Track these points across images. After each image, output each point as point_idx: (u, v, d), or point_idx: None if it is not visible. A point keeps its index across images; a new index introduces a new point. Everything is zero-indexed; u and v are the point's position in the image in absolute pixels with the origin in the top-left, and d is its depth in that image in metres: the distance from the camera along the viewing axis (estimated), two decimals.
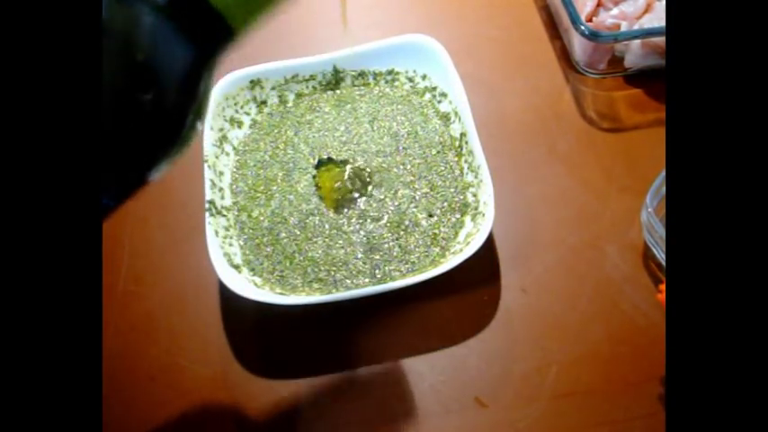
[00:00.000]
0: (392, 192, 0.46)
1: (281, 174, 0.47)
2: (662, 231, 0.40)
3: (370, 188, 0.46)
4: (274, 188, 0.47)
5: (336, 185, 0.47)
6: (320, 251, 0.44)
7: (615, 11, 0.52)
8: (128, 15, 0.24)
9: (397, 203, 0.45)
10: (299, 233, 0.44)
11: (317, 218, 0.45)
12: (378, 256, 0.43)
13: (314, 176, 0.47)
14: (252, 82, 0.50)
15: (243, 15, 0.25)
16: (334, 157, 0.48)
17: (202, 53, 0.26)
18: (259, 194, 0.46)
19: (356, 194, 0.46)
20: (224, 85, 0.48)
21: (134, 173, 0.26)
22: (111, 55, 0.23)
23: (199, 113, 0.26)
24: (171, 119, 0.25)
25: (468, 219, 0.44)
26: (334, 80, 0.51)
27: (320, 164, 0.48)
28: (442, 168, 0.47)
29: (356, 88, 0.51)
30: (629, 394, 0.39)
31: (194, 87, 0.26)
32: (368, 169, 0.47)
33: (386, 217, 0.45)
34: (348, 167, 0.47)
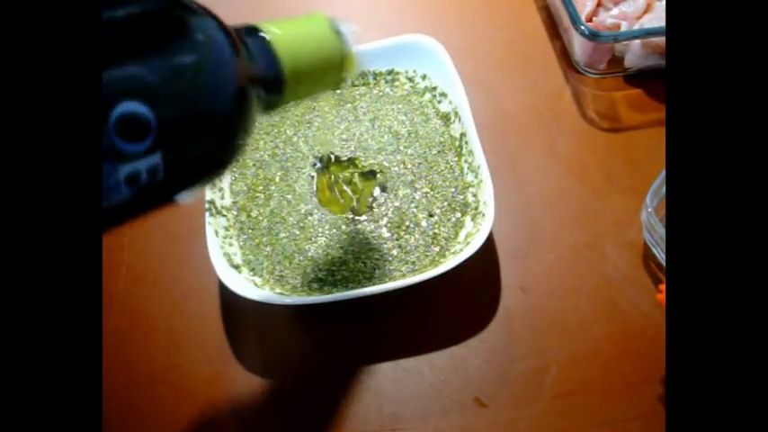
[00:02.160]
0: (394, 191, 0.46)
1: (279, 173, 0.47)
2: (662, 231, 0.40)
3: (375, 188, 0.46)
4: (273, 188, 0.47)
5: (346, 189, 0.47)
6: (320, 251, 0.44)
7: (615, 11, 0.52)
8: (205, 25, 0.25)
9: (398, 204, 0.45)
10: (298, 233, 0.45)
11: (316, 218, 0.45)
12: (378, 256, 0.43)
13: (312, 176, 0.47)
14: None
15: (293, 86, 0.28)
16: (338, 155, 0.48)
17: (257, 87, 0.27)
18: (258, 194, 0.47)
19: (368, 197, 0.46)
20: None
21: (174, 190, 0.26)
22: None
23: (240, 146, 0.27)
24: (221, 135, 0.26)
25: (468, 219, 0.44)
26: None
27: (323, 163, 0.48)
28: (443, 168, 0.47)
29: (356, 88, 0.51)
30: (629, 394, 0.39)
31: (244, 110, 0.27)
32: (375, 168, 0.47)
33: (386, 217, 0.45)
34: (357, 174, 0.48)
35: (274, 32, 0.28)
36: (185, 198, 0.26)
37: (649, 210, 0.41)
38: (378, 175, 0.47)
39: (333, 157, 0.48)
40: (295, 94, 0.29)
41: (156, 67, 0.22)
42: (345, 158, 0.48)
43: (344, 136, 0.49)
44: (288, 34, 0.28)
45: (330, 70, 0.30)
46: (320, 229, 0.45)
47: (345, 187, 0.47)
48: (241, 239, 0.44)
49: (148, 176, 0.23)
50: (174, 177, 0.24)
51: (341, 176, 0.47)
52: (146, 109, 0.22)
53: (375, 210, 0.45)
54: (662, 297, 0.38)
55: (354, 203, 0.46)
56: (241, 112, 0.26)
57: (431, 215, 0.45)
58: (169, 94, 0.23)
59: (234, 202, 0.46)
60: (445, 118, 0.49)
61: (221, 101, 0.25)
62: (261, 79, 0.27)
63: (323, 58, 0.29)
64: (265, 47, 0.28)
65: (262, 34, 0.28)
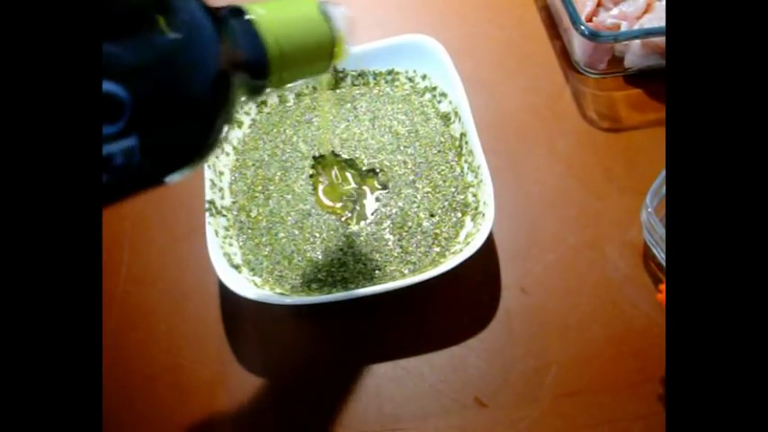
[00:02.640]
0: (396, 191, 0.46)
1: (278, 173, 0.47)
2: (662, 231, 0.40)
3: (375, 188, 0.46)
4: (272, 188, 0.47)
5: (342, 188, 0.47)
6: (319, 252, 0.44)
7: (615, 11, 0.52)
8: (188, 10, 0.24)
9: (401, 204, 0.45)
10: (297, 233, 0.44)
11: (314, 218, 0.45)
12: (378, 257, 0.43)
13: (311, 176, 0.47)
14: None
15: (278, 71, 0.28)
16: (336, 152, 0.48)
17: (240, 72, 0.27)
18: (257, 194, 0.46)
19: (361, 197, 0.46)
20: None
21: (156, 174, 0.26)
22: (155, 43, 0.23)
23: (221, 130, 0.27)
24: (200, 122, 0.25)
25: (468, 219, 0.44)
26: (334, 80, 0.51)
27: (322, 157, 0.48)
28: (443, 168, 0.47)
29: (356, 88, 0.51)
30: (629, 394, 0.39)
31: (225, 96, 0.26)
32: (376, 167, 0.47)
33: (389, 219, 0.45)
34: (350, 172, 0.48)
35: (260, 14, 0.27)
36: (173, 178, 0.26)
37: (649, 210, 0.41)
38: (379, 174, 0.47)
39: (332, 153, 0.48)
40: (281, 79, 0.28)
41: (133, 46, 0.22)
42: (346, 157, 0.48)
43: (344, 135, 0.49)
44: (274, 16, 0.27)
45: (318, 55, 0.29)
46: (319, 230, 0.44)
47: (347, 185, 0.47)
48: (241, 239, 0.44)
49: (124, 159, 0.22)
50: (153, 161, 0.24)
51: (334, 174, 0.47)
52: (120, 89, 0.21)
53: (379, 210, 0.45)
54: (662, 297, 0.38)
55: (348, 213, 0.46)
56: (221, 96, 0.26)
57: (432, 215, 0.45)
58: (146, 75, 0.22)
59: (234, 202, 0.46)
60: (445, 118, 0.49)
61: (200, 84, 0.24)
62: (245, 64, 0.27)
63: (311, 41, 0.28)
64: (250, 29, 0.27)
65: (247, 16, 0.27)
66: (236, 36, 0.26)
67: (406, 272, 0.42)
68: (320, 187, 0.47)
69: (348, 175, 0.47)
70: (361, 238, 0.44)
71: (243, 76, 0.27)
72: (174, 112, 0.24)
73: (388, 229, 0.44)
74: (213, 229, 0.42)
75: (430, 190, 0.46)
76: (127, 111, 0.21)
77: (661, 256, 0.42)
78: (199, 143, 0.26)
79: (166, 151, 0.25)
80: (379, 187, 0.46)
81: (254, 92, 0.29)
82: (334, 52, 0.29)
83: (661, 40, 0.48)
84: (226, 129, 0.27)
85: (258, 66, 0.27)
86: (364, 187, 0.47)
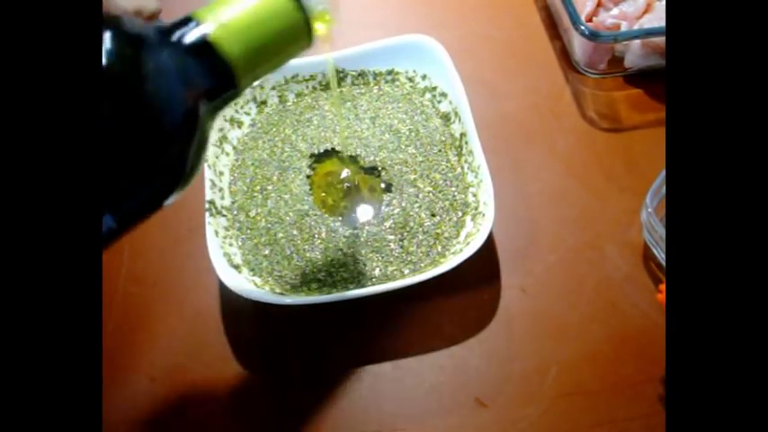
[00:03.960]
0: (398, 190, 0.46)
1: (277, 173, 0.47)
2: (662, 231, 0.40)
3: (379, 188, 0.46)
4: (270, 188, 0.47)
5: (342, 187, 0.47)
6: (318, 252, 0.44)
7: (615, 11, 0.52)
8: (135, 53, 0.24)
9: (404, 204, 0.45)
10: (296, 233, 0.44)
11: (313, 218, 0.45)
12: (378, 257, 0.43)
13: (308, 176, 0.47)
14: None
15: (251, 74, 0.26)
16: (337, 149, 0.48)
17: (207, 100, 0.26)
18: (256, 194, 0.46)
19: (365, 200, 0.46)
20: None
21: (136, 211, 0.26)
22: (115, 93, 0.23)
23: (199, 157, 0.26)
24: (173, 162, 0.25)
25: (468, 219, 0.44)
26: (337, 79, 0.51)
27: (321, 156, 0.48)
28: (444, 167, 0.47)
29: (356, 87, 0.51)
30: (629, 394, 0.39)
31: (195, 131, 0.25)
32: (377, 166, 0.47)
33: (391, 219, 0.45)
34: (345, 171, 0.47)
35: (214, 23, 0.25)
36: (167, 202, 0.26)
37: (649, 210, 0.41)
38: (382, 173, 0.47)
39: (333, 151, 0.48)
40: (255, 77, 0.26)
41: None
42: (346, 156, 0.48)
43: (345, 134, 0.49)
44: (231, 19, 0.25)
45: (293, 39, 0.27)
46: (317, 230, 0.44)
47: (348, 184, 0.47)
48: (240, 240, 0.44)
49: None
50: (125, 223, 0.25)
51: (332, 176, 0.47)
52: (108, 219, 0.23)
53: (382, 209, 0.45)
54: (662, 297, 0.38)
55: (343, 209, 0.46)
56: (191, 133, 0.25)
57: (433, 215, 0.45)
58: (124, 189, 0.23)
59: (233, 202, 0.46)
60: (445, 118, 0.49)
61: (171, 139, 0.24)
62: (210, 90, 0.25)
63: (279, 31, 0.26)
64: (208, 51, 0.25)
65: (201, 33, 0.25)
66: (195, 67, 0.25)
67: (406, 272, 0.42)
68: (315, 188, 0.47)
69: (345, 174, 0.47)
70: (362, 239, 0.44)
71: (211, 99, 0.26)
72: (147, 170, 0.24)
73: (389, 229, 0.44)
74: (213, 229, 0.42)
75: (431, 189, 0.46)
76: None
77: (661, 256, 0.42)
78: (177, 178, 0.26)
79: (147, 200, 0.26)
80: (383, 187, 0.46)
81: (228, 101, 0.27)
82: (315, 28, 0.27)
83: (661, 40, 0.48)
84: (202, 153, 0.26)
85: (224, 84, 0.26)
86: (363, 189, 0.47)
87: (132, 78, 0.23)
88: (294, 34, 0.26)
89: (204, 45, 0.25)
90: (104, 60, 0.22)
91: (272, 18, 0.25)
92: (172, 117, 0.24)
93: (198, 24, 0.25)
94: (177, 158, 0.25)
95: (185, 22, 0.25)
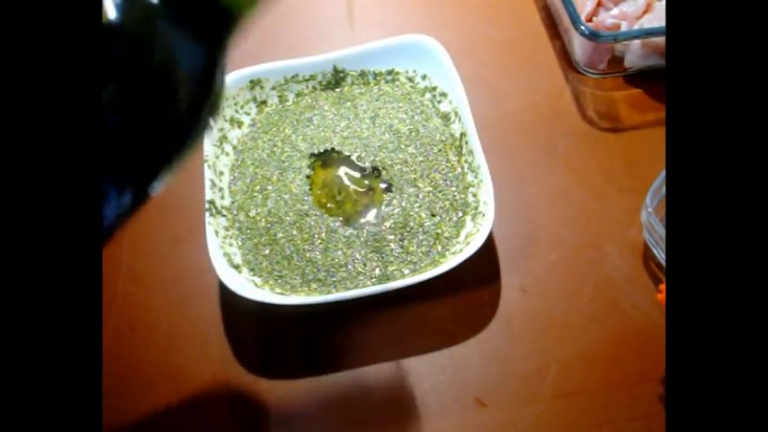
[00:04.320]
0: (399, 190, 0.46)
1: (276, 173, 0.47)
2: (662, 231, 0.40)
3: (379, 188, 0.46)
4: (270, 188, 0.47)
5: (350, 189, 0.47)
6: (318, 253, 0.44)
7: (615, 11, 0.52)
8: (137, 16, 0.24)
9: (404, 204, 0.45)
10: (295, 233, 0.44)
11: (312, 219, 0.45)
12: (378, 257, 0.43)
13: (308, 176, 0.47)
14: (252, 82, 0.50)
15: (246, 2, 0.25)
16: (337, 149, 0.48)
17: (212, 45, 0.25)
18: (256, 194, 0.46)
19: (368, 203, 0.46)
20: None
21: (150, 172, 0.26)
22: (122, 58, 0.23)
23: (214, 108, 0.26)
24: (188, 116, 0.25)
25: (468, 218, 0.44)
26: (334, 80, 0.51)
27: (321, 156, 0.48)
28: (444, 167, 0.47)
29: (356, 87, 0.51)
30: (629, 394, 0.39)
31: (209, 81, 0.26)
32: (378, 166, 0.47)
33: (391, 219, 0.45)
34: (343, 171, 0.47)
35: None
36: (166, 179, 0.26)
37: (649, 210, 0.41)
38: (382, 173, 0.47)
39: (333, 151, 0.48)
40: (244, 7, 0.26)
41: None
42: (346, 155, 0.48)
43: (345, 133, 0.49)
44: None
45: None
46: (317, 230, 0.44)
47: (348, 183, 0.47)
48: (240, 239, 0.44)
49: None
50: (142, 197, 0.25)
51: (336, 175, 0.47)
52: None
53: (382, 209, 0.45)
54: (662, 297, 0.38)
55: (344, 209, 0.46)
56: (208, 91, 0.25)
57: (433, 215, 0.45)
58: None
59: (233, 202, 0.46)
60: (445, 118, 0.49)
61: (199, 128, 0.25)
62: (218, 33, 0.25)
63: None
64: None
65: None
66: (192, 14, 0.25)
67: (406, 272, 0.42)
68: (315, 188, 0.47)
69: (345, 174, 0.47)
70: (362, 239, 0.44)
71: (218, 37, 0.25)
72: (165, 119, 0.24)
73: (389, 229, 0.44)
74: (213, 229, 0.42)
75: (431, 189, 0.46)
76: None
77: (661, 256, 0.42)
78: (190, 136, 0.26)
79: (164, 149, 0.25)
80: (383, 187, 0.46)
81: (237, 31, 0.26)
82: None
83: (661, 40, 0.48)
84: (212, 117, 0.26)
85: (227, 20, 0.25)
86: (363, 189, 0.47)
87: (141, 38, 0.23)
88: None
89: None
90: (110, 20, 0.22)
91: None
92: (183, 60, 0.24)
93: None
94: (192, 105, 0.25)
95: None
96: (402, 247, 0.43)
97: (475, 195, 0.44)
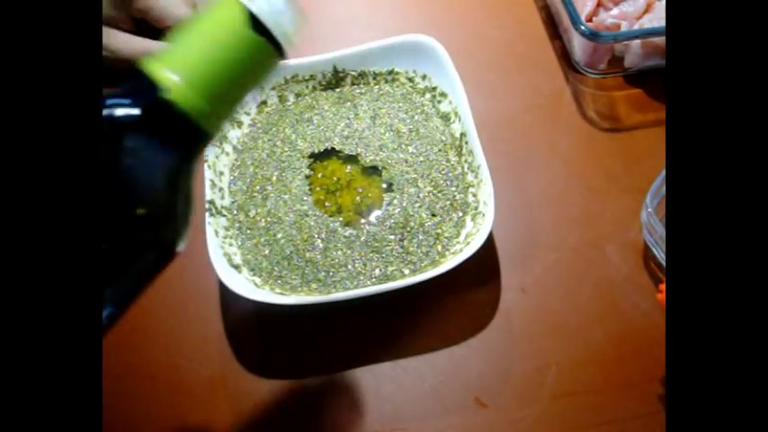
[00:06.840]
0: (399, 190, 0.46)
1: (276, 173, 0.47)
2: (662, 231, 0.40)
3: (380, 188, 0.46)
4: (270, 188, 0.47)
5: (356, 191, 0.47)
6: (317, 253, 0.44)
7: (615, 11, 0.52)
8: (111, 142, 0.23)
9: (404, 204, 0.45)
10: (295, 233, 0.44)
11: (312, 219, 0.45)
12: (378, 257, 0.43)
13: (308, 176, 0.47)
14: None
15: (216, 120, 0.25)
16: (337, 148, 0.48)
17: (182, 158, 0.25)
18: (255, 194, 0.46)
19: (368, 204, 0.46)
20: None
21: (140, 278, 0.27)
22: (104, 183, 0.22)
23: (188, 209, 0.27)
24: (163, 227, 0.26)
25: (468, 218, 0.44)
26: (334, 80, 0.51)
27: (321, 156, 0.48)
28: (444, 167, 0.47)
29: (356, 87, 0.51)
30: (629, 394, 0.39)
31: (178, 190, 0.25)
32: (378, 165, 0.47)
33: (392, 218, 0.45)
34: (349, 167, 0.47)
35: (170, 81, 0.23)
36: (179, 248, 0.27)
37: (649, 210, 0.41)
38: (382, 173, 0.47)
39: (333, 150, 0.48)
40: (226, 116, 0.25)
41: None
42: (346, 155, 0.48)
43: (345, 133, 0.49)
44: (190, 68, 0.23)
45: (260, 68, 0.25)
46: (317, 231, 0.44)
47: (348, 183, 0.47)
48: (240, 239, 0.44)
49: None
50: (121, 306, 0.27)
51: (333, 176, 0.47)
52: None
53: (382, 209, 0.45)
54: (662, 297, 0.38)
55: (343, 210, 0.46)
56: (173, 207, 0.25)
57: (433, 215, 0.45)
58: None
59: (233, 202, 0.46)
60: (445, 118, 0.49)
61: (159, 224, 0.25)
62: (182, 155, 0.25)
63: (243, 67, 0.24)
64: (164, 111, 0.23)
65: (159, 97, 0.23)
66: (157, 133, 0.23)
67: (406, 272, 0.42)
68: (315, 187, 0.47)
69: (344, 174, 0.47)
70: (362, 239, 0.44)
71: (185, 153, 0.25)
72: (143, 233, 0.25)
73: (389, 229, 0.44)
74: (213, 229, 0.42)
75: (431, 189, 0.46)
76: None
77: (661, 256, 0.42)
78: (174, 238, 0.27)
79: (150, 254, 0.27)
80: (384, 187, 0.46)
81: (205, 146, 0.26)
82: (286, 43, 0.24)
83: (661, 40, 0.48)
84: (189, 205, 0.26)
85: (194, 138, 0.24)
86: (363, 189, 0.47)
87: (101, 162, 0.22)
88: (263, 62, 0.24)
89: (160, 107, 0.23)
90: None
91: (235, 56, 0.23)
92: (149, 189, 0.24)
93: (149, 83, 0.23)
94: (166, 222, 0.26)
95: (136, 80, 0.23)
96: (402, 247, 0.43)
97: (475, 195, 0.44)
